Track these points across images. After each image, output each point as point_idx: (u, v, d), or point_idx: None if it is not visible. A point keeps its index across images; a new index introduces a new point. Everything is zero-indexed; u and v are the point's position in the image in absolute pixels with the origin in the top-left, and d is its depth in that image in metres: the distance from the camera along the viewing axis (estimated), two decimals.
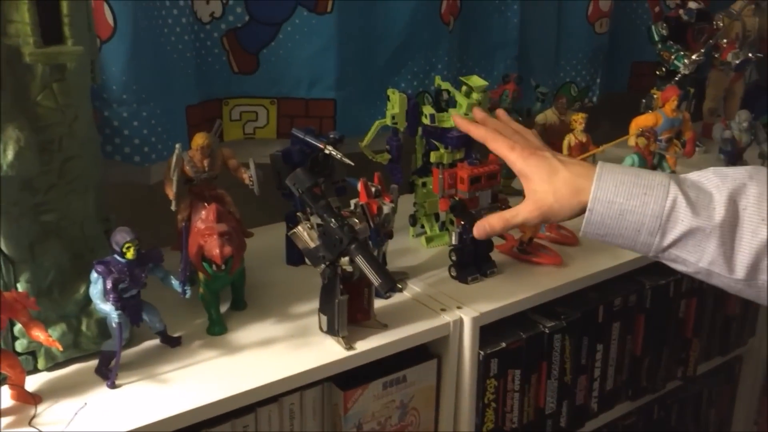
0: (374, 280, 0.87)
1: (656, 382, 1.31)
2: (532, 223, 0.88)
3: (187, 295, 0.89)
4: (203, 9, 1.20)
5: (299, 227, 0.92)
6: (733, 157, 1.39)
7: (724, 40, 1.62)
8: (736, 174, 0.77)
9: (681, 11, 1.59)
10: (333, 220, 0.88)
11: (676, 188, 0.77)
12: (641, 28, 1.70)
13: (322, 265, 0.91)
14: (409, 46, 1.37)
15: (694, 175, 0.80)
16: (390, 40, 1.36)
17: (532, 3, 1.54)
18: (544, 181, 0.84)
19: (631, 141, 1.26)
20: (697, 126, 1.59)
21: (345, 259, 0.91)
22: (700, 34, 1.60)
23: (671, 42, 1.58)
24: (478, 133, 0.93)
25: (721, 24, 1.62)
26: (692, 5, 1.59)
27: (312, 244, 0.91)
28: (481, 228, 0.92)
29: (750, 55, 1.61)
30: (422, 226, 1.26)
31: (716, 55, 1.63)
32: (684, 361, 1.35)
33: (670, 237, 0.77)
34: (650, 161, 1.23)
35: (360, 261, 0.88)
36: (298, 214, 0.93)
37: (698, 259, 0.76)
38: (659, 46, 1.59)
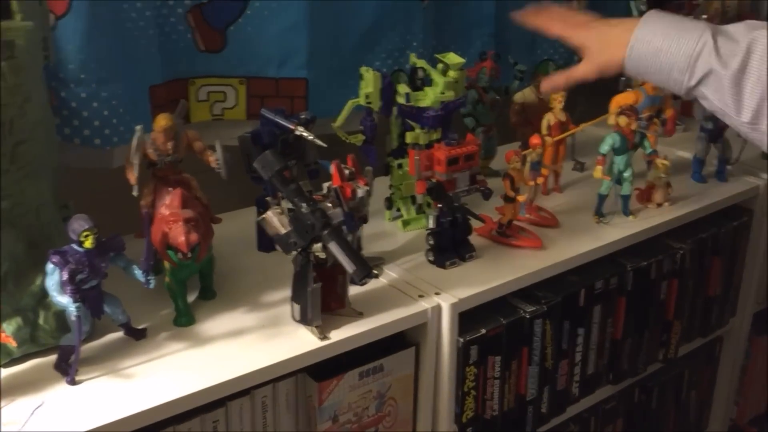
0: (348, 267, 0.83)
1: (637, 365, 1.29)
2: (592, 77, 1.00)
3: (151, 285, 0.85)
4: None
5: (269, 213, 0.88)
6: (714, 134, 1.36)
7: (704, 16, 1.58)
8: (762, 24, 0.87)
9: None
10: (304, 204, 0.84)
11: (708, 34, 0.88)
12: (620, 4, 1.66)
13: (294, 252, 0.87)
14: (382, 24, 1.33)
15: (731, 26, 0.90)
16: (363, 18, 1.31)
17: None
18: (598, 44, 0.97)
19: (611, 120, 1.23)
20: (677, 104, 1.56)
21: (318, 246, 0.87)
22: (679, 10, 1.57)
23: None
24: (533, 22, 1.06)
25: (701, 0, 1.59)
26: None
27: (283, 230, 0.87)
28: (546, 85, 1.07)
29: None
30: (399, 210, 1.22)
31: None
32: (665, 343, 1.33)
33: (696, 76, 0.88)
34: (631, 140, 1.20)
35: (333, 247, 0.84)
36: (268, 198, 0.89)
37: (717, 99, 0.88)
38: None
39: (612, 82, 1.52)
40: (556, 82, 1.06)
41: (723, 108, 0.88)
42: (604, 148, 1.19)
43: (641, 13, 1.54)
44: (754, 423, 1.70)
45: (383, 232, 1.20)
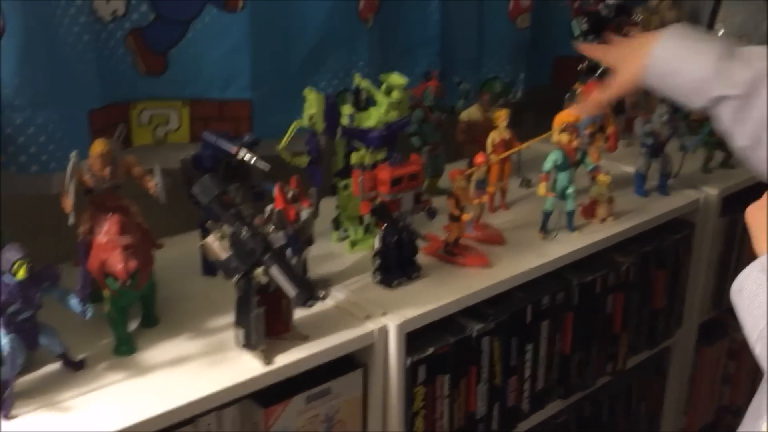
0: (289, 291, 0.83)
1: (586, 378, 1.31)
2: (627, 91, 1.04)
3: (88, 315, 0.83)
4: (104, 7, 1.12)
5: (209, 238, 0.87)
6: (655, 149, 1.39)
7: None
8: None
9: (600, 6, 1.59)
10: (244, 229, 0.83)
11: (725, 59, 0.90)
12: (563, 23, 1.69)
13: (236, 277, 0.86)
14: (326, 44, 1.33)
15: (746, 49, 0.92)
16: (306, 38, 1.31)
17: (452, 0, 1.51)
18: (623, 61, 1.02)
19: (555, 137, 1.25)
20: (620, 120, 1.59)
21: (259, 270, 0.86)
22: (620, 29, 1.60)
23: (592, 36, 1.58)
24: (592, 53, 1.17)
25: (640, 18, 1.62)
26: (611, 0, 1.59)
27: (223, 256, 0.86)
28: (588, 105, 1.13)
29: None
30: (346, 230, 1.22)
31: None
32: (613, 356, 1.34)
33: (706, 99, 0.91)
34: (573, 157, 1.22)
35: (274, 271, 0.83)
36: (208, 223, 0.88)
37: (725, 120, 0.90)
38: (580, 40, 1.59)
39: (560, 101, 1.56)
40: (599, 101, 1.08)
41: (730, 128, 0.90)
42: (547, 165, 1.21)
43: (583, 33, 1.59)
44: None
45: (331, 253, 1.19)
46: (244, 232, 0.84)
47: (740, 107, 0.89)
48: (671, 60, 0.94)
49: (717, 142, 1.45)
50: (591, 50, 1.16)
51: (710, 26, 1.79)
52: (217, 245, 0.86)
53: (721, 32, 1.79)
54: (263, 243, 0.84)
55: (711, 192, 1.44)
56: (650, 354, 1.45)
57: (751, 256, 0.68)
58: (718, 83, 0.90)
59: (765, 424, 0.72)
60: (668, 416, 1.58)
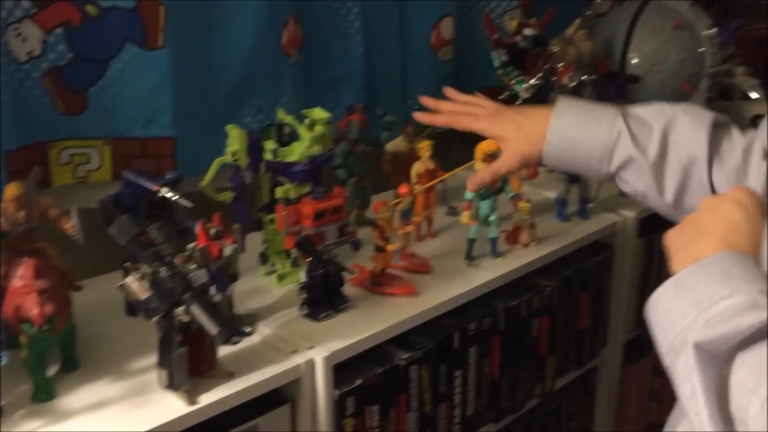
0: (211, 329, 0.82)
1: (516, 401, 1.33)
2: (515, 170, 1.03)
3: (3, 362, 0.81)
4: (20, 47, 1.11)
5: (128, 278, 0.86)
6: (573, 176, 1.43)
7: (560, 64, 1.68)
8: (672, 108, 0.94)
9: (518, 38, 1.65)
10: (164, 268, 0.83)
11: (621, 121, 0.93)
12: (485, 55, 1.74)
13: (156, 318, 0.86)
14: (250, 80, 1.34)
15: (640, 109, 0.95)
16: (230, 75, 1.32)
17: (375, 33, 1.54)
18: (515, 135, 0.99)
19: (478, 165, 1.28)
20: None
21: (180, 309, 0.86)
22: (537, 59, 1.66)
23: (511, 68, 1.63)
24: (439, 121, 1.07)
25: (556, 49, 1.68)
26: (527, 32, 1.64)
27: (143, 296, 0.85)
28: (473, 182, 1.07)
29: (584, 77, 1.68)
30: (273, 264, 1.22)
31: (553, 79, 1.69)
32: (541, 378, 1.37)
33: (615, 164, 0.93)
34: (494, 185, 1.25)
35: (195, 310, 0.83)
36: (126, 264, 0.87)
37: (638, 183, 0.93)
38: (500, 71, 1.64)
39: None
40: (482, 179, 1.05)
41: (645, 191, 0.93)
42: (469, 194, 1.24)
43: (502, 64, 1.64)
44: None
45: (258, 287, 1.19)
46: (164, 272, 0.83)
47: (655, 166, 0.92)
48: (570, 133, 0.94)
49: None
50: (459, 120, 1.05)
51: (623, 55, 1.87)
52: (136, 285, 0.85)
53: (634, 61, 1.87)
54: (183, 282, 0.84)
55: (628, 215, 1.49)
56: (578, 374, 1.49)
57: (669, 276, 0.71)
58: (625, 146, 0.92)
59: (681, 425, 0.76)
60: None
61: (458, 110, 1.06)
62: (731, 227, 0.71)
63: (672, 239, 0.74)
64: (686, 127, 0.92)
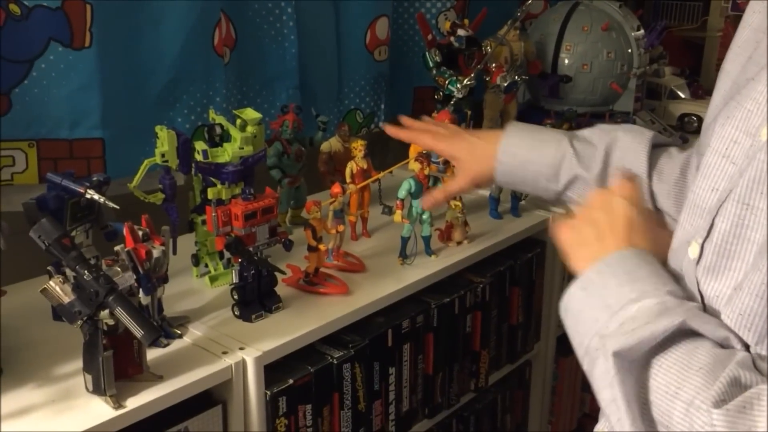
0: (136, 332, 0.82)
1: (450, 397, 1.35)
2: (468, 190, 1.09)
3: None
4: None
5: (50, 282, 0.84)
6: None
7: (493, 65, 1.71)
8: (614, 128, 0.99)
9: (452, 38, 1.67)
10: (86, 271, 0.82)
11: (567, 142, 0.97)
12: (419, 55, 1.76)
13: (80, 321, 0.84)
14: (181, 80, 1.33)
15: (584, 131, 1.00)
16: (160, 74, 1.30)
17: (309, 33, 1.55)
18: (468, 157, 1.04)
19: (412, 165, 1.30)
20: None
21: (105, 313, 0.85)
22: (471, 59, 1.69)
23: (445, 68, 1.66)
24: (403, 135, 1.14)
25: (489, 49, 1.71)
26: (461, 32, 1.67)
27: (66, 300, 0.84)
28: (428, 202, 1.15)
29: (517, 77, 1.72)
30: (206, 266, 1.21)
31: (487, 79, 1.72)
32: (475, 373, 1.40)
33: (562, 182, 0.96)
34: (426, 184, 1.27)
35: (119, 313, 0.82)
36: (49, 267, 0.86)
37: (584, 199, 0.91)
38: (434, 71, 1.66)
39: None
40: (435, 198, 1.12)
41: None
42: (401, 193, 1.25)
43: (436, 64, 1.66)
44: None
45: (191, 289, 1.18)
46: (87, 275, 0.82)
47: (599, 182, 0.94)
48: (520, 153, 0.99)
49: None
50: (421, 138, 1.13)
51: (555, 56, 1.91)
52: (59, 289, 0.84)
53: (566, 61, 1.91)
54: (107, 284, 0.83)
55: (558, 211, 1.53)
56: (512, 368, 1.52)
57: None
58: (570, 165, 0.96)
59: (600, 424, 0.78)
60: (533, 427, 1.66)
61: (422, 128, 1.14)
62: (627, 224, 0.73)
63: (568, 237, 0.76)
64: (627, 144, 0.95)
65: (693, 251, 0.66)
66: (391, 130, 1.15)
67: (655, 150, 0.96)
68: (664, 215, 0.94)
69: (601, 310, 0.67)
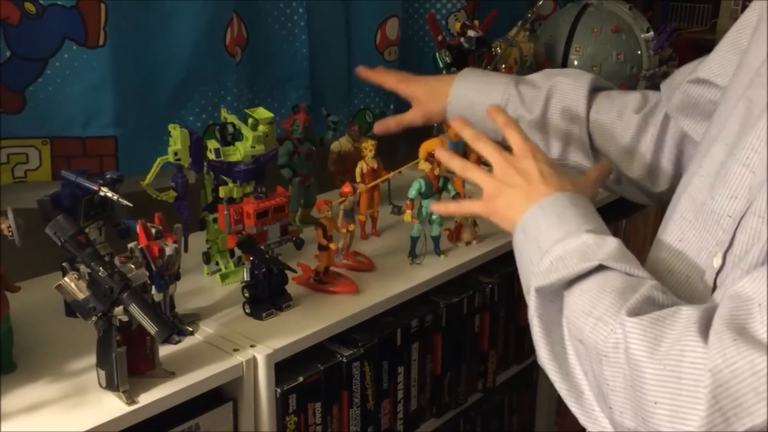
0: (150, 328, 0.83)
1: (458, 396, 1.36)
2: (420, 123, 1.21)
3: None
4: None
5: (65, 278, 0.85)
6: None
7: (503, 65, 1.72)
8: (558, 72, 1.05)
9: (461, 39, 1.68)
10: (101, 268, 0.83)
11: (513, 86, 1.06)
12: (429, 56, 1.77)
13: (94, 317, 0.85)
14: (193, 79, 1.34)
15: (531, 75, 1.08)
16: (173, 74, 1.31)
17: (320, 33, 1.55)
18: (425, 97, 1.19)
19: (422, 165, 1.30)
20: None
21: (119, 309, 0.85)
22: (481, 60, 1.70)
23: (455, 69, 1.66)
24: (372, 76, 1.28)
25: (499, 50, 1.72)
26: (471, 33, 1.67)
27: (80, 296, 0.85)
28: (379, 127, 1.25)
29: None
30: (217, 263, 1.22)
31: None
32: (483, 373, 1.40)
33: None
34: (436, 184, 1.27)
35: (133, 309, 0.83)
36: (64, 264, 0.87)
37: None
38: (444, 72, 1.66)
39: (429, 129, 1.62)
40: (388, 124, 1.23)
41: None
42: (412, 193, 1.26)
43: (446, 65, 1.66)
44: None
45: (202, 287, 1.19)
46: (102, 271, 0.83)
47: (539, 125, 1.02)
48: (469, 94, 1.09)
49: None
50: (386, 79, 1.25)
51: (565, 57, 1.91)
52: (74, 285, 0.85)
53: (575, 63, 1.92)
54: (122, 281, 0.83)
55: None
56: (519, 369, 1.53)
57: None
58: (514, 106, 1.03)
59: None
60: (540, 427, 1.66)
61: (392, 75, 1.26)
62: (553, 171, 0.80)
63: (497, 185, 0.82)
64: (567, 87, 1.03)
65: (717, 261, 0.68)
66: (363, 72, 1.28)
67: (596, 93, 1.02)
68: (599, 154, 1.03)
69: (534, 252, 0.73)
